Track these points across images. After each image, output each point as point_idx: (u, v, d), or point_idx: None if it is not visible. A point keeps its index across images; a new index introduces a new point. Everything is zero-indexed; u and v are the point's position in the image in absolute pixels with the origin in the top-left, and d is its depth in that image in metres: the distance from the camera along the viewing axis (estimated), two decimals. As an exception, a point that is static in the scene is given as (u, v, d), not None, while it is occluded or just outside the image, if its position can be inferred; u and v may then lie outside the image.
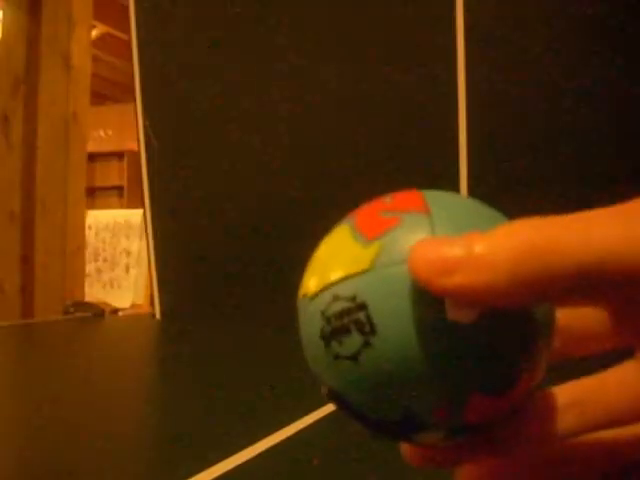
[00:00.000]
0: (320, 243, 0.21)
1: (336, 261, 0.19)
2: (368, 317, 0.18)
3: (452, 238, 0.16)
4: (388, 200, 0.20)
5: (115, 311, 3.11)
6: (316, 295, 0.19)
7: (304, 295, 0.20)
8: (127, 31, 2.67)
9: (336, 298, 0.18)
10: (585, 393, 0.20)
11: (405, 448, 0.22)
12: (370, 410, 0.19)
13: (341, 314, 0.18)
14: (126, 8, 2.64)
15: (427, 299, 0.17)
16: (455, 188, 2.01)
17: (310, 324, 0.19)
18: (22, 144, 3.03)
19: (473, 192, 2.00)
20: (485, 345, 0.18)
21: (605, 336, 0.22)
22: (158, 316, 2.59)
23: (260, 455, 0.80)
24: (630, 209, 0.16)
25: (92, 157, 5.91)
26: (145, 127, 2.59)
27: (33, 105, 3.09)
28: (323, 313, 0.19)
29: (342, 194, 2.11)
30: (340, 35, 2.24)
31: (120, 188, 6.63)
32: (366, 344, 0.18)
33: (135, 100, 2.63)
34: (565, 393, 0.20)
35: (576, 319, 0.22)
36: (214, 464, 0.75)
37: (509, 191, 1.90)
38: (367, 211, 0.20)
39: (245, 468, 0.76)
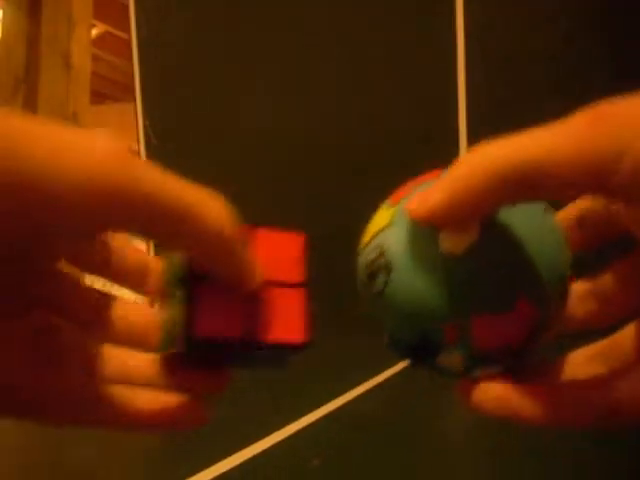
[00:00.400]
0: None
1: (373, 223, 0.25)
2: (387, 260, 0.23)
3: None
4: (416, 178, 0.25)
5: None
6: (360, 251, 0.25)
7: (357, 254, 0.25)
8: (127, 30, 2.67)
9: (368, 251, 0.24)
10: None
11: (458, 386, 0.23)
12: (398, 335, 0.24)
13: (372, 262, 0.23)
14: (126, 7, 2.64)
15: (427, 238, 0.22)
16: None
17: (360, 274, 0.25)
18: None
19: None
20: (475, 272, 0.21)
21: (624, 303, 0.24)
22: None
23: (260, 455, 0.80)
24: (560, 124, 0.18)
25: (92, 156, 5.89)
26: (145, 126, 2.59)
27: (33, 104, 3.09)
28: (363, 264, 0.24)
29: (343, 193, 2.11)
30: (340, 37, 2.24)
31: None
32: (387, 281, 0.23)
33: (135, 99, 2.63)
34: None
35: (597, 288, 0.24)
36: (213, 464, 0.75)
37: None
38: (400, 188, 0.25)
39: (245, 468, 0.76)
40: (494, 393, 0.22)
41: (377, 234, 0.24)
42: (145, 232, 0.19)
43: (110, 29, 5.28)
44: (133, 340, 0.24)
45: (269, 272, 0.22)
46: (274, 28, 2.37)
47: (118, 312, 0.24)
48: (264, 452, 0.81)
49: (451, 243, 0.21)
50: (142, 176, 0.17)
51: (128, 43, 2.66)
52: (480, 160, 0.18)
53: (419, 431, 0.95)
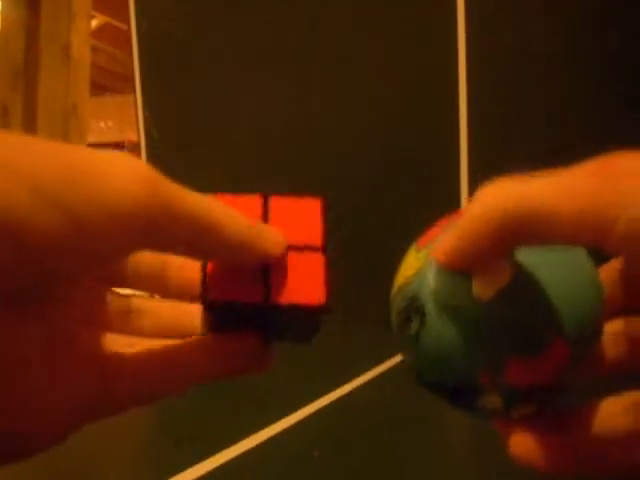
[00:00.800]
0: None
1: (405, 267, 0.25)
2: (420, 305, 0.23)
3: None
4: (443, 220, 0.25)
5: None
6: (394, 297, 0.25)
7: (394, 286, 0.26)
8: (127, 21, 2.66)
9: (402, 298, 0.24)
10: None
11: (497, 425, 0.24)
12: (433, 378, 0.24)
13: (405, 308, 0.24)
14: (125, -2, 2.63)
15: (457, 283, 0.22)
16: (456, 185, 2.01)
17: (393, 313, 0.25)
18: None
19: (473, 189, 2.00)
20: (506, 316, 0.21)
21: None
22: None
23: (260, 446, 0.81)
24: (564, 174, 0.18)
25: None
26: (145, 118, 2.59)
27: (33, 97, 3.08)
28: (397, 309, 0.24)
29: (344, 193, 2.10)
30: (340, 35, 2.23)
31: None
32: (422, 325, 0.23)
33: (135, 91, 2.63)
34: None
35: (630, 329, 0.25)
36: (213, 454, 0.76)
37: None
38: (427, 231, 0.26)
39: (245, 459, 0.76)
40: (526, 445, 0.23)
41: (409, 279, 0.24)
42: (170, 249, 0.19)
43: (110, 20, 5.26)
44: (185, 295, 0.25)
45: (287, 237, 0.22)
46: (274, 21, 2.36)
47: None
48: (264, 443, 0.82)
49: (481, 288, 0.22)
50: (171, 200, 0.18)
51: (128, 34, 2.65)
52: (484, 207, 0.19)
53: (420, 422, 0.96)
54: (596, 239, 0.18)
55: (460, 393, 0.23)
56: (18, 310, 0.17)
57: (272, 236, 0.22)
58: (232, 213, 0.20)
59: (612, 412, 0.23)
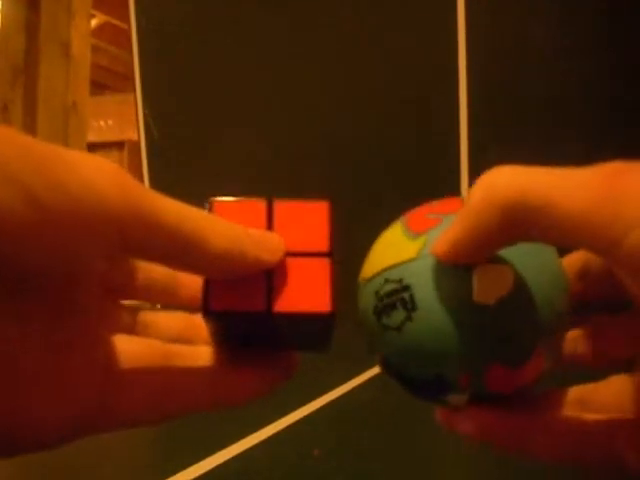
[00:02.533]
0: (377, 238, 0.25)
1: (389, 252, 0.23)
2: (411, 296, 0.22)
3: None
4: (435, 204, 0.24)
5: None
6: (372, 278, 0.23)
7: (362, 278, 0.24)
8: (127, 20, 2.66)
9: (387, 281, 0.23)
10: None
11: (438, 411, 0.24)
12: (409, 372, 0.23)
13: (390, 293, 0.22)
14: (126, -3, 2.63)
15: (459, 284, 0.21)
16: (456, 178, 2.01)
17: (366, 302, 0.24)
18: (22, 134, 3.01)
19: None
20: (502, 325, 0.21)
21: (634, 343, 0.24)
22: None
23: (260, 445, 0.81)
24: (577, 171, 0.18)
25: (92, 147, 5.89)
26: (145, 116, 2.59)
27: (32, 95, 3.08)
28: (376, 293, 0.23)
29: (345, 193, 2.10)
30: (341, 30, 2.23)
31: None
32: (408, 318, 0.22)
33: (135, 90, 2.62)
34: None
35: (609, 325, 0.25)
36: (213, 453, 0.76)
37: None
38: (416, 213, 0.24)
39: (245, 458, 0.76)
40: (481, 420, 0.22)
41: (399, 266, 0.22)
42: (148, 257, 0.19)
43: (110, 19, 5.26)
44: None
45: (291, 243, 0.21)
46: (275, 20, 2.35)
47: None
48: (264, 442, 0.82)
49: (482, 292, 0.21)
50: (142, 203, 0.17)
51: (128, 33, 2.65)
52: (487, 196, 0.18)
53: (420, 421, 0.96)
54: (600, 245, 0.17)
55: (429, 387, 0.23)
56: (21, 313, 0.16)
57: (267, 243, 0.21)
58: (217, 222, 0.19)
59: (568, 401, 0.24)
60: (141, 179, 2.63)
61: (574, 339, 0.25)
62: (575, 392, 0.24)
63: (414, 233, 0.23)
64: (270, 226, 0.22)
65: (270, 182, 2.33)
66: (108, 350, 0.20)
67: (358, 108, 2.22)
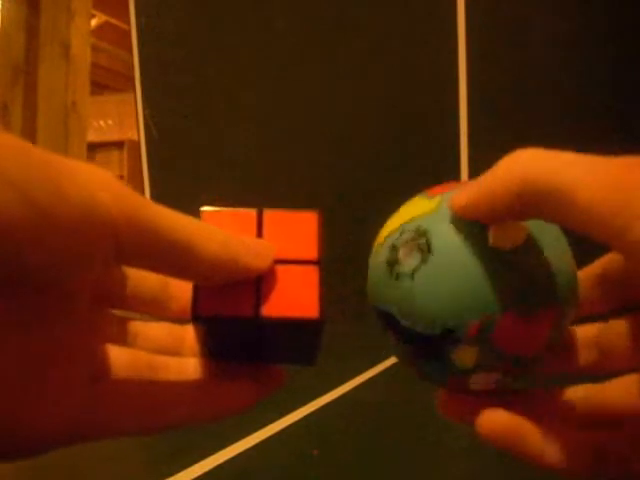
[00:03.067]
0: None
1: (408, 211, 0.24)
2: (427, 241, 0.22)
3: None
4: (452, 183, 0.25)
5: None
6: (390, 234, 0.24)
7: (378, 243, 0.25)
8: (127, 20, 2.66)
9: (404, 232, 0.23)
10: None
11: (440, 399, 0.25)
12: (415, 325, 0.23)
13: (407, 241, 0.23)
14: (126, -3, 2.63)
15: (472, 230, 0.22)
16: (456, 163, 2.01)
17: (380, 255, 0.24)
18: (21, 134, 3.02)
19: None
20: (516, 271, 0.21)
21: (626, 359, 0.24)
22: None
23: (260, 445, 0.81)
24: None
25: (92, 147, 5.89)
26: (145, 116, 2.59)
27: (33, 95, 3.08)
28: (393, 245, 0.23)
29: (347, 192, 2.10)
30: (342, 29, 2.23)
31: (120, 178, 6.59)
32: (423, 261, 0.22)
33: (135, 90, 2.62)
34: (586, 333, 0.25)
35: (612, 334, 0.25)
36: (213, 453, 0.76)
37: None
38: (434, 187, 0.25)
39: (245, 458, 0.76)
40: (503, 421, 0.22)
41: (416, 218, 0.23)
42: (140, 264, 0.19)
43: (109, 19, 5.26)
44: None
45: (281, 251, 0.22)
46: (275, 20, 2.35)
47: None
48: (264, 442, 0.82)
49: (500, 237, 0.21)
50: (137, 210, 0.17)
51: (128, 33, 2.65)
52: (507, 171, 0.20)
53: (419, 421, 0.96)
54: (608, 232, 0.17)
55: (435, 342, 0.23)
56: (13, 320, 0.16)
57: (257, 250, 0.21)
58: (209, 229, 0.20)
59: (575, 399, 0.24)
60: (141, 179, 2.64)
61: (584, 348, 0.25)
62: (581, 391, 0.24)
63: (432, 195, 0.24)
64: (260, 235, 0.22)
65: (269, 182, 2.34)
66: (95, 359, 0.21)
67: (358, 108, 2.22)
